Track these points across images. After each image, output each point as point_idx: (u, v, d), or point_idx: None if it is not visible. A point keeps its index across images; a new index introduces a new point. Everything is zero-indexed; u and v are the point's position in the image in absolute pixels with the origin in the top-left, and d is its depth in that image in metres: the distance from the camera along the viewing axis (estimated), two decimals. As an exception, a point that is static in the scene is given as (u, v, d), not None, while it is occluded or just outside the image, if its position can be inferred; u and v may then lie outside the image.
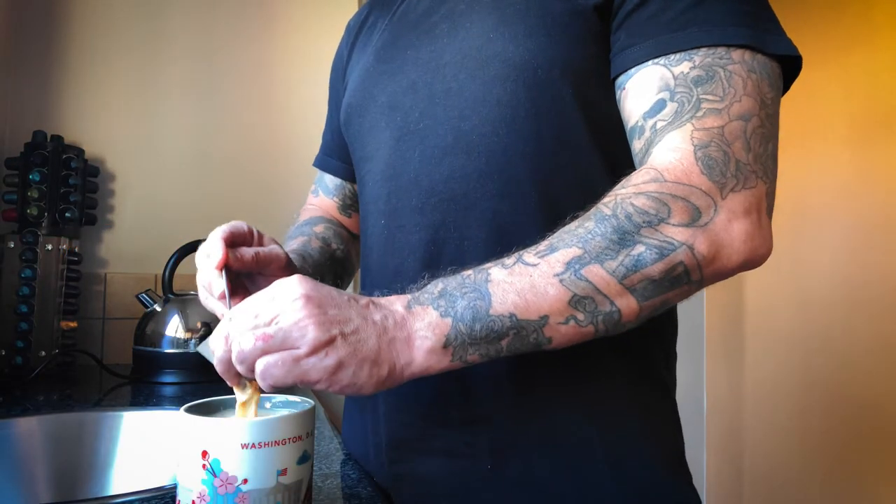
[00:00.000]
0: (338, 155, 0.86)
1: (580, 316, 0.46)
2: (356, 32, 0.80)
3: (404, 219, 0.62)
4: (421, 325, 0.46)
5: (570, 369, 0.57)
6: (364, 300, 0.47)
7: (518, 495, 0.57)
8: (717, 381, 2.23)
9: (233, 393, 0.49)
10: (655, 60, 0.52)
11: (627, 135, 0.55)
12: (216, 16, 1.55)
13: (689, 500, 0.59)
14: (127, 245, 1.44)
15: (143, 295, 1.23)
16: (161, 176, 1.48)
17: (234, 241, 0.56)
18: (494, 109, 0.58)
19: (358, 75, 0.72)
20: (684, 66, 0.50)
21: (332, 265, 0.77)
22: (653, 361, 0.62)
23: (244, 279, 0.60)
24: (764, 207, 0.50)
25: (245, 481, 0.43)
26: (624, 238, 0.46)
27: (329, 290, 0.46)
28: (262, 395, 0.50)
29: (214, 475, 0.42)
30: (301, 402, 0.51)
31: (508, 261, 0.48)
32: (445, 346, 0.46)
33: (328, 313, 0.44)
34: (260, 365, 0.43)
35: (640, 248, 0.46)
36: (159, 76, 1.50)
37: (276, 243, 0.61)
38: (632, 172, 0.51)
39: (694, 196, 0.47)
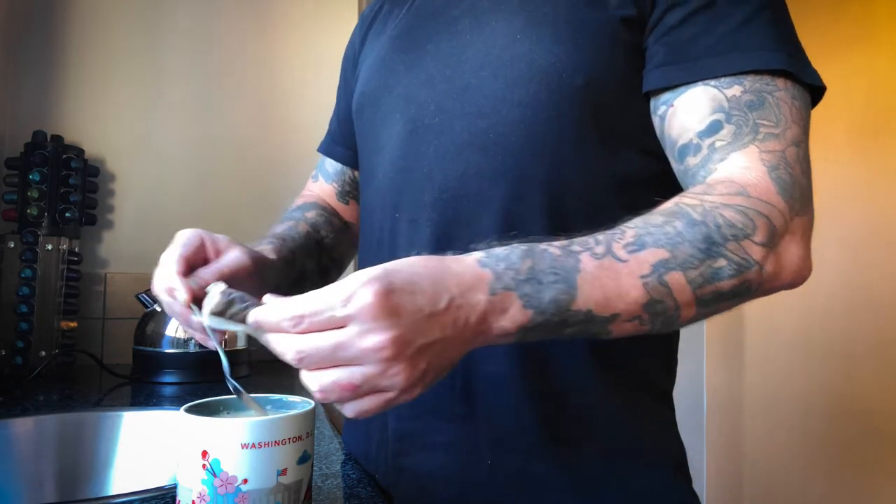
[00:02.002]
0: (343, 142, 0.85)
1: (646, 317, 0.46)
2: (370, 21, 0.79)
3: (416, 213, 0.61)
4: (502, 320, 0.43)
5: (571, 370, 0.57)
6: (446, 298, 0.41)
7: (517, 492, 0.57)
8: (717, 382, 2.23)
9: (231, 393, 0.49)
10: (706, 82, 0.53)
11: (675, 151, 0.56)
12: (216, 15, 1.55)
13: (687, 503, 0.59)
14: (127, 245, 1.44)
15: (143, 295, 1.23)
16: (161, 176, 1.48)
17: (190, 264, 0.54)
18: (514, 110, 0.58)
19: (372, 64, 0.71)
20: (735, 90, 0.52)
21: (318, 252, 0.76)
22: (652, 365, 0.62)
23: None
24: (810, 234, 0.52)
25: (245, 481, 0.43)
26: (710, 249, 0.46)
27: (413, 308, 0.39)
28: (264, 395, 0.50)
29: (214, 475, 0.43)
30: (301, 402, 0.51)
31: (598, 249, 0.46)
32: (515, 333, 0.44)
33: (417, 345, 0.40)
34: (351, 409, 0.41)
35: (722, 262, 0.46)
36: (159, 76, 1.50)
37: (237, 245, 0.59)
38: (708, 179, 0.52)
39: (774, 215, 0.49)
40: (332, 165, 0.86)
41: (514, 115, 0.58)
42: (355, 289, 0.38)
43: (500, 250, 0.45)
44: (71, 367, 1.29)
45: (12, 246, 1.20)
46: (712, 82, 0.53)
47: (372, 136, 0.69)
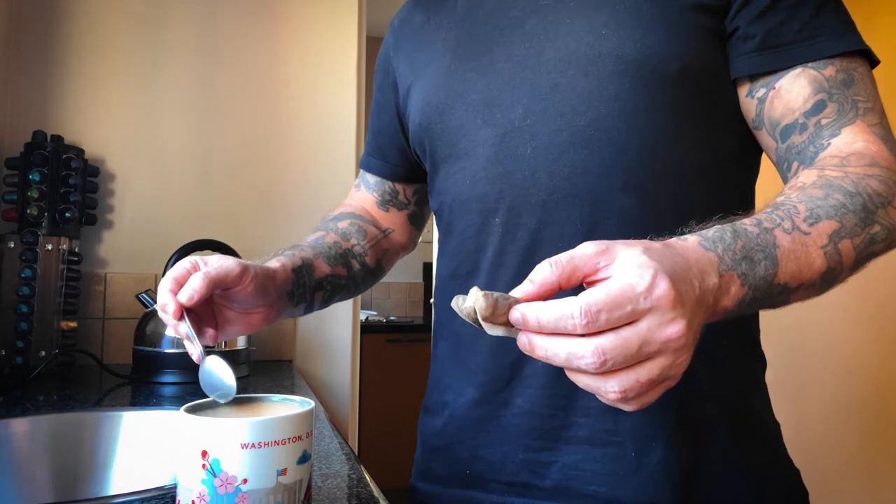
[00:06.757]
0: (380, 155, 0.87)
1: (819, 283, 0.49)
2: (408, 33, 0.80)
3: (525, 217, 0.62)
4: (725, 299, 0.44)
5: (707, 359, 0.57)
6: (697, 284, 0.41)
7: (663, 480, 0.58)
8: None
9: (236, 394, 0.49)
10: (804, 65, 0.58)
11: (778, 130, 0.60)
12: (216, 16, 1.55)
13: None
14: (127, 245, 1.44)
15: (143, 295, 1.23)
16: (161, 176, 1.48)
17: (213, 283, 0.58)
18: (612, 105, 0.59)
19: (434, 75, 0.71)
20: (830, 70, 0.58)
21: (343, 259, 0.78)
22: (762, 351, 0.67)
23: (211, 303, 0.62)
24: None
25: (245, 481, 0.43)
26: (868, 216, 0.51)
27: (689, 295, 0.40)
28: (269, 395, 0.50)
29: (214, 475, 0.43)
30: (301, 402, 0.51)
31: (786, 224, 0.48)
32: (732, 310, 0.45)
33: (694, 331, 0.40)
34: (637, 404, 0.40)
35: (876, 228, 0.51)
36: (159, 76, 1.50)
37: (240, 262, 0.61)
38: (822, 153, 0.56)
39: None
40: (372, 177, 0.89)
41: (613, 110, 0.59)
42: (649, 278, 0.38)
43: (711, 232, 0.46)
44: (71, 367, 1.29)
45: (12, 246, 1.20)
46: (810, 64, 0.58)
47: (448, 144, 0.69)
